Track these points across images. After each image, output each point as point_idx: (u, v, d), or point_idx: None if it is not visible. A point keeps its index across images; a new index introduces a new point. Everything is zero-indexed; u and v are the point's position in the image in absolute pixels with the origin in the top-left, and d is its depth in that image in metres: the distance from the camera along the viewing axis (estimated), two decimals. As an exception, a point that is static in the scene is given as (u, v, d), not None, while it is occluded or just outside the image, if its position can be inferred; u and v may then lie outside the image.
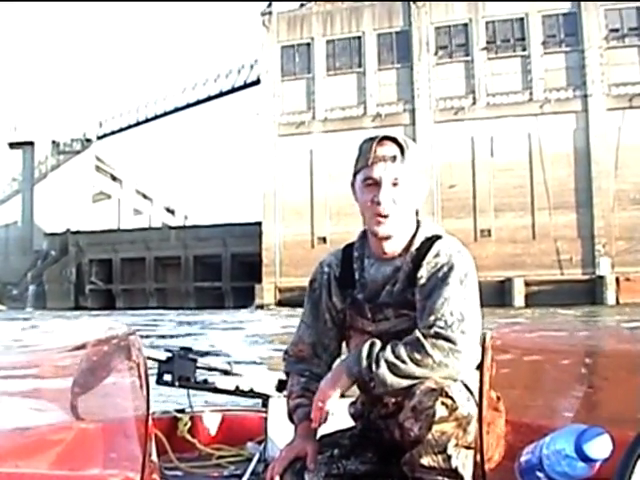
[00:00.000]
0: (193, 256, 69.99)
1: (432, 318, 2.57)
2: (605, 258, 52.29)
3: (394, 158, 2.74)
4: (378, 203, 2.73)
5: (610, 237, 52.60)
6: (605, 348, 2.71)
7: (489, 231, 55.23)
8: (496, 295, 49.19)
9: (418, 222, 2.88)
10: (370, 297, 2.84)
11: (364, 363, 2.55)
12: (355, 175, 2.85)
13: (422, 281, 2.70)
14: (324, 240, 57.50)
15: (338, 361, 2.82)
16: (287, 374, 3.07)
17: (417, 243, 2.80)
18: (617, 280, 51.16)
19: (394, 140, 2.76)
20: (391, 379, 2.50)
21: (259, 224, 61.55)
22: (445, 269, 2.68)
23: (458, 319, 2.55)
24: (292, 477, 2.67)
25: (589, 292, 50.76)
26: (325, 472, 2.66)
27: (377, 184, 2.74)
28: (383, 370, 2.50)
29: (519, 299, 51.66)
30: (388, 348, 2.54)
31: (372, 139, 2.78)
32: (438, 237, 2.82)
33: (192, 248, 69.78)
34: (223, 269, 68.21)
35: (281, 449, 2.86)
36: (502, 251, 53.89)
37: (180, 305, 64.59)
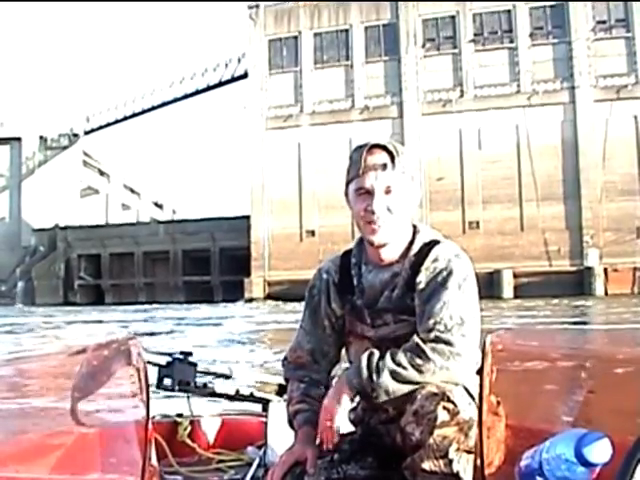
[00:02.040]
0: (182, 250, 69.78)
1: (431, 322, 2.58)
2: (593, 249, 52.42)
3: (384, 166, 2.74)
4: (372, 212, 2.74)
5: (598, 228, 52.71)
6: (605, 352, 2.70)
7: (477, 223, 55.28)
8: (485, 287, 48.99)
9: (415, 227, 2.89)
10: (369, 303, 2.84)
11: (364, 374, 2.54)
12: (348, 185, 2.85)
13: (421, 286, 2.71)
14: (313, 233, 57.57)
15: (338, 372, 2.82)
16: (286, 380, 3.07)
17: (415, 249, 2.81)
18: (605, 271, 51.31)
19: (384, 148, 2.77)
20: (393, 386, 2.50)
21: (247, 218, 61.49)
22: (444, 274, 2.69)
23: (457, 323, 2.57)
24: None
25: (577, 283, 50.90)
26: (325, 476, 2.65)
27: (369, 193, 2.75)
28: (384, 379, 2.51)
29: (508, 291, 51.72)
30: (388, 356, 2.54)
31: (362, 147, 2.79)
32: (436, 242, 2.82)
33: (181, 242, 69.60)
34: (212, 263, 68.03)
35: (281, 454, 2.86)
36: (490, 243, 53.92)
37: (169, 299, 64.45)
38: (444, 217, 53.37)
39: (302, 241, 57.68)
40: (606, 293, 49.83)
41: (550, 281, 50.89)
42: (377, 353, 2.58)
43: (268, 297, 56.13)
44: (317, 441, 2.73)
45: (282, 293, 51.81)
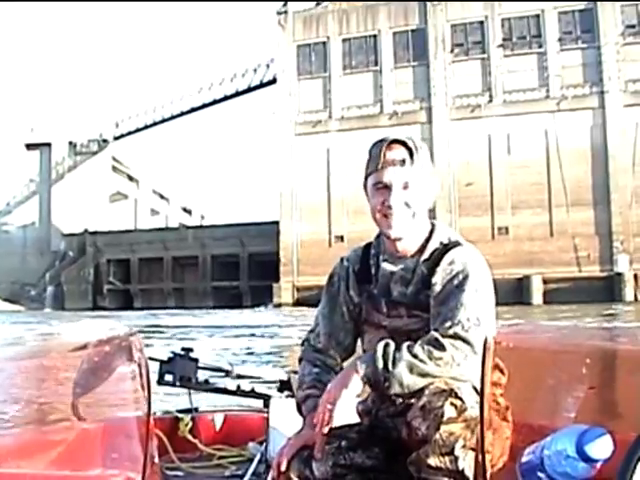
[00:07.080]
0: (211, 256, 70.25)
1: (449, 323, 2.60)
2: (623, 255, 52.16)
3: (403, 161, 2.77)
4: (389, 207, 2.77)
5: (628, 234, 52.48)
6: (607, 348, 2.69)
7: (506, 229, 55.18)
8: (514, 293, 49.18)
9: (433, 225, 2.92)
10: (383, 292, 2.89)
11: (380, 363, 2.54)
12: (366, 178, 2.89)
13: (437, 287, 2.73)
14: (342, 239, 57.59)
15: (349, 361, 2.85)
16: (300, 360, 3.09)
17: (431, 247, 2.84)
18: (635, 277, 51.08)
19: (403, 143, 2.79)
20: (408, 379, 2.51)
21: (276, 223, 61.79)
22: (460, 277, 2.70)
23: (475, 324, 2.58)
24: (299, 464, 2.69)
25: (607, 289, 50.68)
26: (332, 462, 2.68)
27: (388, 188, 2.78)
28: (400, 370, 2.51)
29: (537, 297, 51.63)
30: (404, 348, 2.55)
31: (381, 142, 2.82)
32: (455, 244, 2.84)
33: (209, 248, 70.00)
34: (241, 268, 68.42)
35: (289, 438, 2.87)
36: (520, 248, 53.82)
37: (198, 305, 64.66)
38: (473, 222, 53.38)
39: (331, 246, 57.68)
40: (636, 299, 49.60)
41: (580, 287, 50.63)
42: (393, 344, 2.59)
43: (297, 302, 56.13)
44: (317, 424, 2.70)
45: (311, 299, 51.77)
